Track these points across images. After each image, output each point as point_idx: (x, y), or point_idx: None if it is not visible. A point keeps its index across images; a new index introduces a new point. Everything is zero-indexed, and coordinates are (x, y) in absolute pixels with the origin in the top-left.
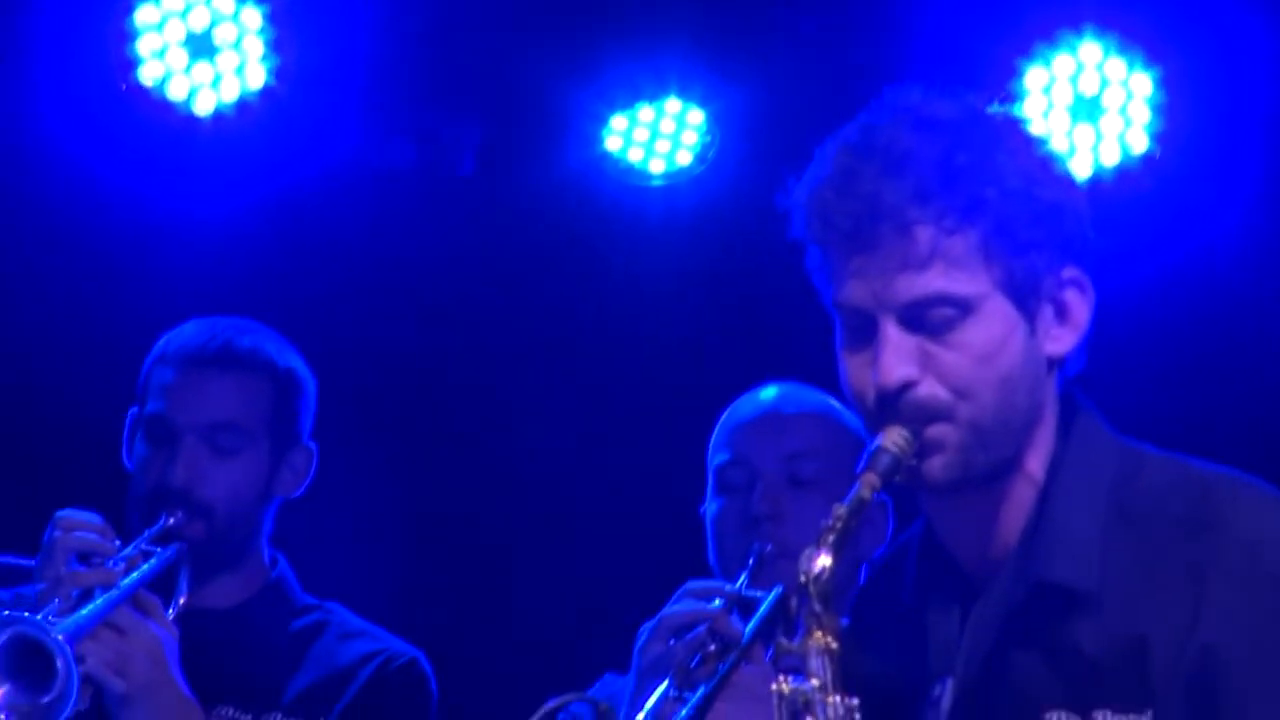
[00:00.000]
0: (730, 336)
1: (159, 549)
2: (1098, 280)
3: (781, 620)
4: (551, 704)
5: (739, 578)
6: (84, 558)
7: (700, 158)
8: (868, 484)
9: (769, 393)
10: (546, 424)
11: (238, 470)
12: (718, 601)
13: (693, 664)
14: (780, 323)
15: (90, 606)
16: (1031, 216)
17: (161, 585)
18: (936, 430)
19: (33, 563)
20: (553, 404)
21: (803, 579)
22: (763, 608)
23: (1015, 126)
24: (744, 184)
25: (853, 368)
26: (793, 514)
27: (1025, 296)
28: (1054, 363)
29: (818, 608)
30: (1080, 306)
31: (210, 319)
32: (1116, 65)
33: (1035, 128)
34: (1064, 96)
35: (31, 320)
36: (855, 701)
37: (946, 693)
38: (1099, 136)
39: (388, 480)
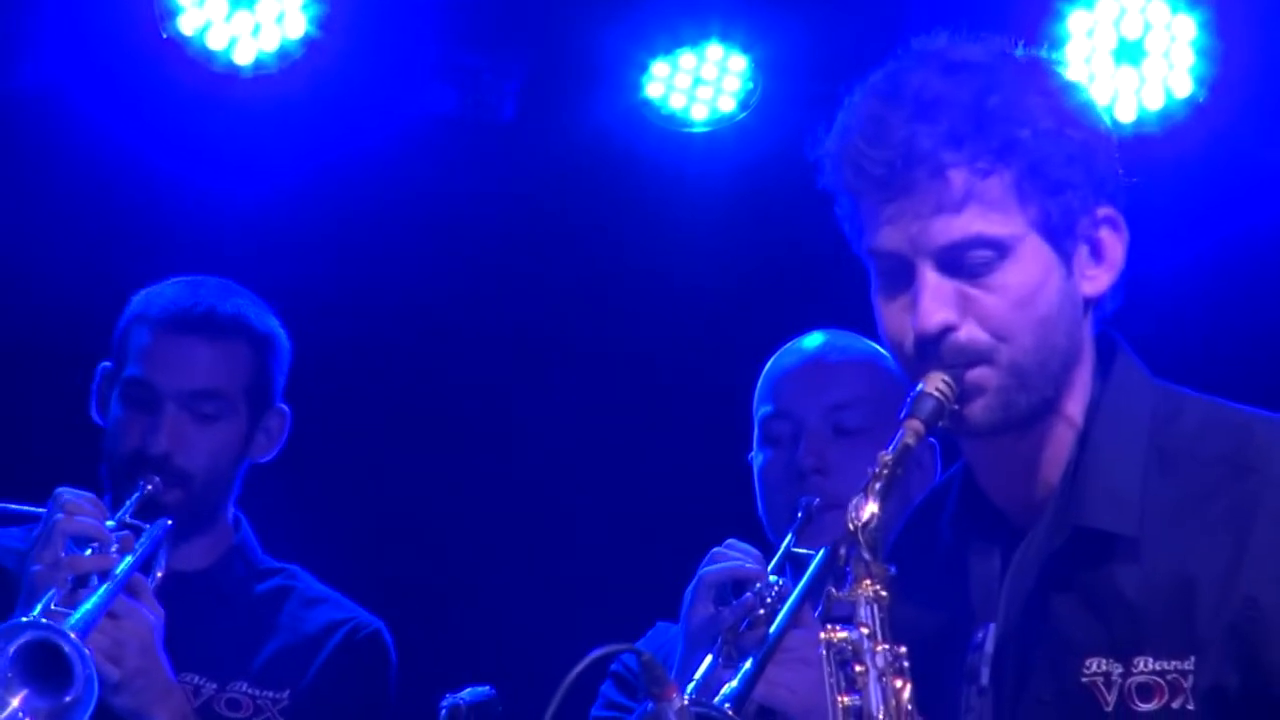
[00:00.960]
0: (774, 284)
1: (146, 525)
2: (1142, 226)
3: (830, 579)
4: (597, 653)
5: (787, 533)
6: (80, 541)
7: (743, 104)
8: (912, 430)
9: (812, 341)
10: (589, 372)
11: (218, 437)
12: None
13: (741, 628)
14: (825, 270)
15: (93, 599)
16: (1065, 156)
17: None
18: (977, 373)
19: (30, 509)
20: (595, 352)
21: (851, 527)
22: (810, 569)
23: (1045, 68)
24: (787, 131)
25: (890, 314)
26: (839, 465)
27: (1061, 237)
28: (1090, 303)
29: (866, 556)
30: (1115, 245)
31: (189, 280)
32: (1159, 8)
33: (1072, 71)
34: (1106, 40)
35: (72, 278)
36: (903, 649)
37: (989, 637)
38: (1142, 81)
39: (444, 425)
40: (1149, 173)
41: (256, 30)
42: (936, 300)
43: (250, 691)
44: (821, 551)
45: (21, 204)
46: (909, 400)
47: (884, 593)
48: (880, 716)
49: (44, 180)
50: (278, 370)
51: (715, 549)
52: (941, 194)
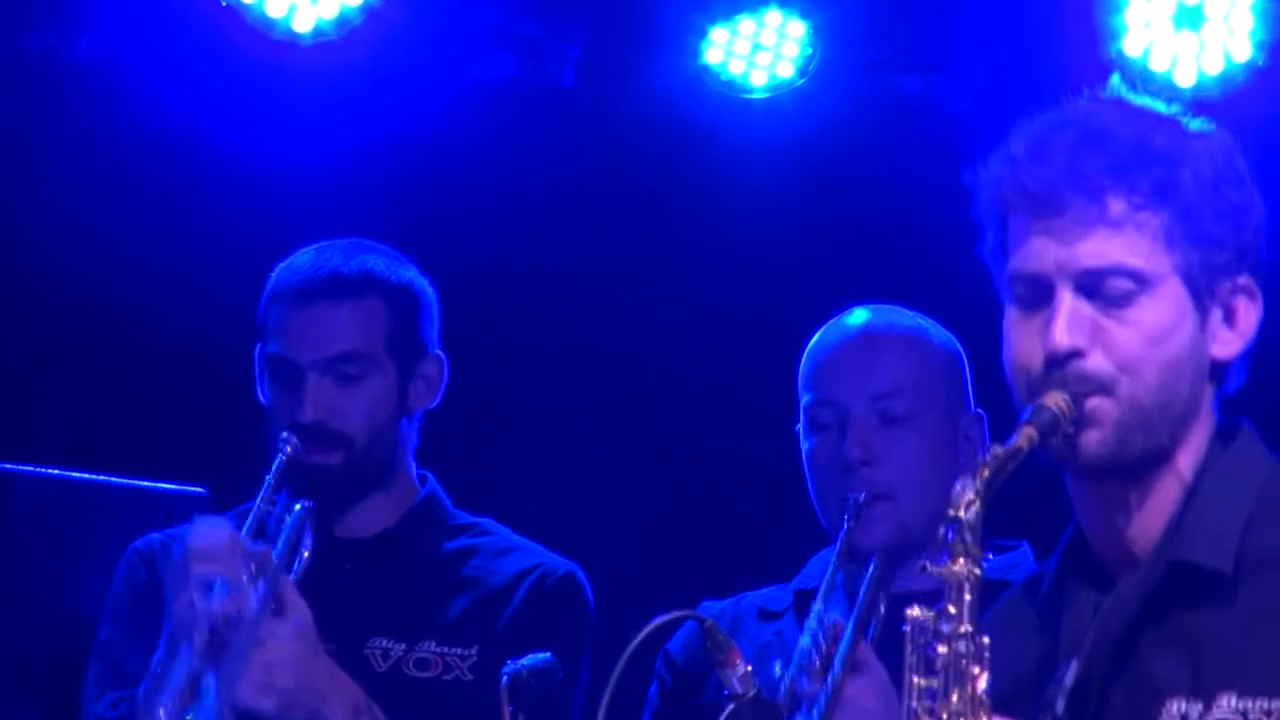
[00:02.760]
0: (832, 250)
1: (286, 516)
2: None
3: (881, 599)
4: (658, 620)
5: (840, 533)
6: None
7: (802, 70)
8: (1026, 435)
9: (854, 321)
10: (646, 337)
11: (366, 396)
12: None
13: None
14: (883, 238)
15: (231, 656)
16: (1217, 211)
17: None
18: (1096, 403)
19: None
20: (654, 318)
21: (951, 510)
22: (858, 604)
23: (1210, 129)
24: (846, 97)
25: (1020, 336)
26: (886, 454)
27: (1200, 289)
28: (1216, 367)
29: (967, 537)
30: (1249, 315)
31: (318, 245)
32: None
33: (1131, 36)
34: (1166, 5)
35: (136, 248)
36: (987, 640)
37: (1070, 671)
38: (1201, 46)
39: (496, 393)
40: None
41: None
42: (1071, 322)
43: (439, 650)
44: (868, 574)
45: (83, 172)
46: (1029, 409)
47: (977, 572)
48: (954, 699)
49: (105, 148)
50: (424, 319)
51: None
52: (1095, 217)
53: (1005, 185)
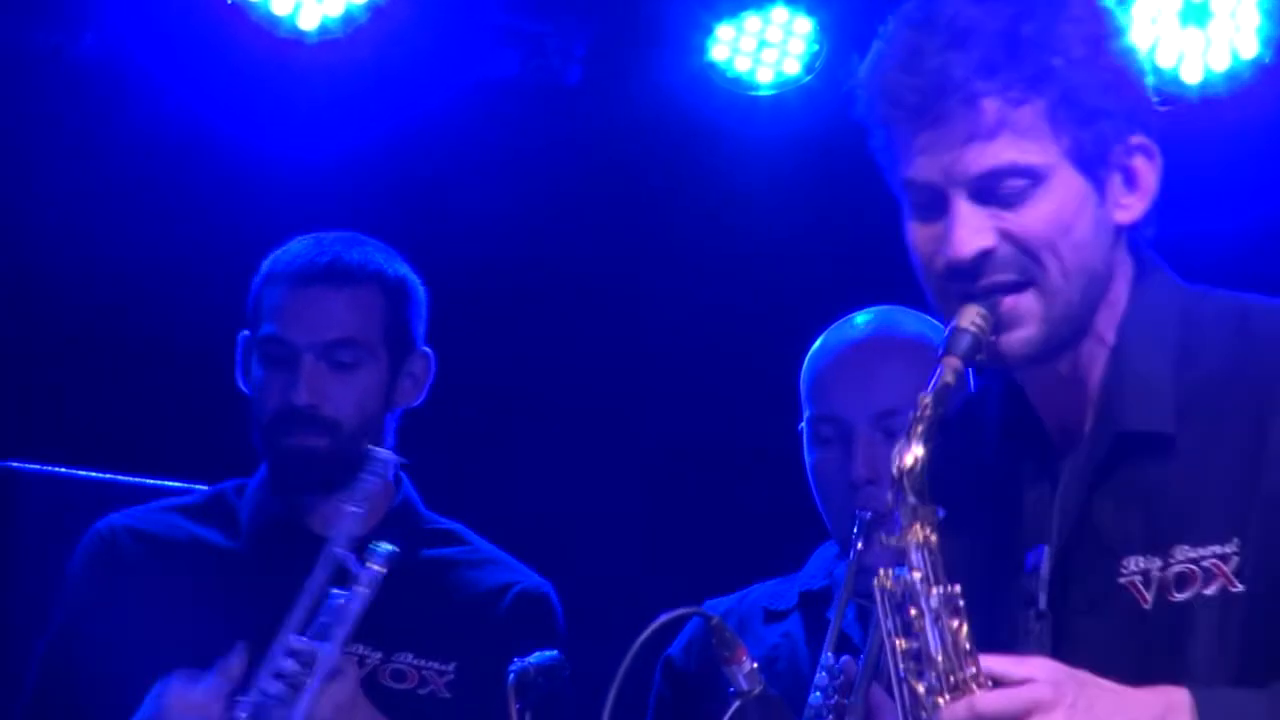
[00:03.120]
0: (838, 247)
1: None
2: (1208, 189)
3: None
4: (664, 617)
5: (850, 555)
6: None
7: (808, 67)
8: (950, 367)
9: (854, 331)
10: (651, 336)
11: (359, 384)
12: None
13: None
14: (890, 235)
15: None
16: (1098, 85)
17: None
18: (1014, 301)
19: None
20: (656, 315)
21: (895, 473)
22: (868, 648)
23: None
24: (852, 92)
25: (923, 244)
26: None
27: (1094, 166)
28: (1122, 230)
29: (913, 500)
30: (1149, 173)
31: (314, 235)
32: None
33: (1138, 32)
34: (1172, 2)
35: (137, 244)
36: (957, 588)
37: (1044, 560)
38: (1208, 43)
39: (500, 391)
40: (1215, 135)
41: None
42: (970, 228)
43: (415, 663)
44: (872, 636)
45: (88, 169)
46: (945, 337)
47: (933, 536)
48: (939, 657)
49: (109, 146)
50: (414, 314)
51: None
52: (974, 123)
53: (881, 97)
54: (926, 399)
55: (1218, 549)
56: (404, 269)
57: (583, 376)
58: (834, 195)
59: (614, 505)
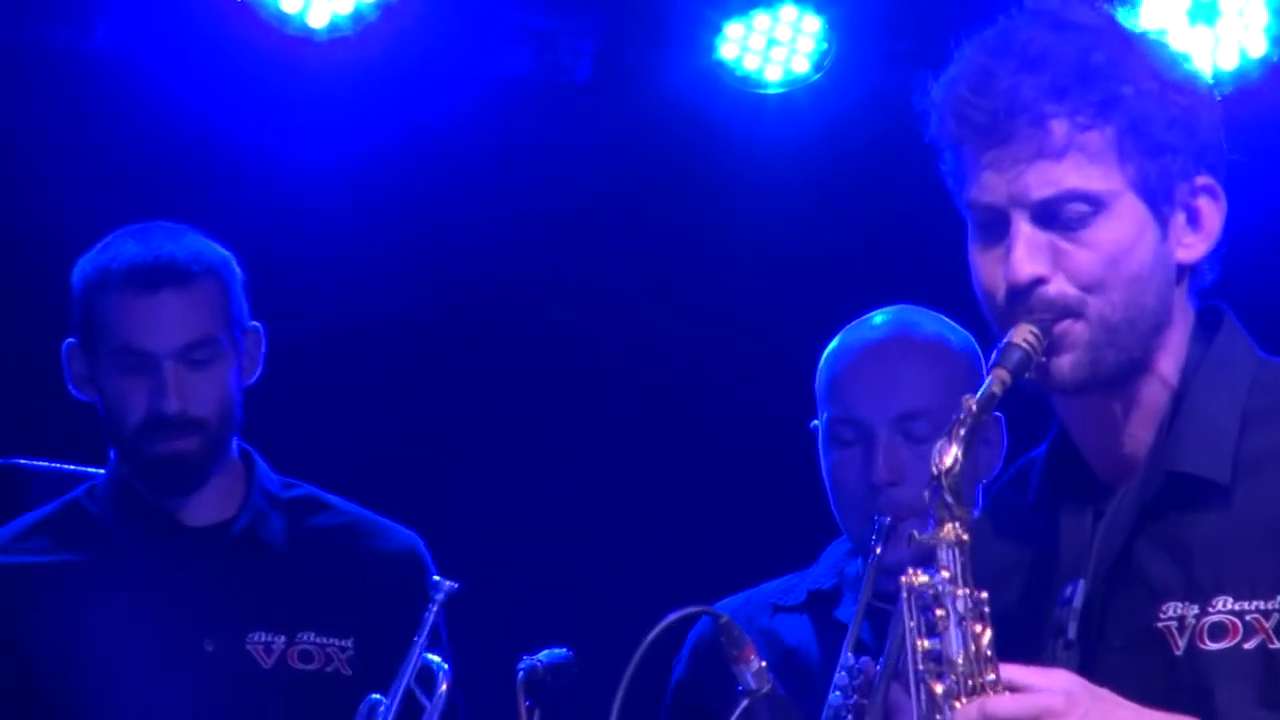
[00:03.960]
0: (848, 246)
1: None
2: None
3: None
4: (673, 616)
5: (869, 558)
6: None
7: (817, 65)
8: (999, 379)
9: (873, 331)
10: (661, 332)
11: (218, 378)
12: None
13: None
14: (900, 234)
15: None
16: (1167, 119)
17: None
18: (1065, 327)
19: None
20: (667, 312)
21: (934, 471)
22: (888, 649)
23: (1151, 36)
24: (861, 92)
25: (984, 265)
26: (913, 472)
27: (1158, 199)
28: (1184, 270)
29: (949, 499)
30: (1213, 215)
31: (131, 231)
32: None
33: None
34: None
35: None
36: (984, 595)
37: (1078, 593)
38: (1216, 41)
39: (519, 385)
40: (1224, 134)
41: None
42: (1029, 252)
43: (318, 640)
44: (894, 620)
45: (97, 165)
46: (997, 350)
47: (965, 536)
48: (960, 660)
49: (119, 142)
50: (240, 294)
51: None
52: (1041, 144)
53: (951, 117)
54: (972, 402)
55: (1261, 604)
56: (223, 251)
57: (592, 372)
58: (843, 193)
59: (623, 503)
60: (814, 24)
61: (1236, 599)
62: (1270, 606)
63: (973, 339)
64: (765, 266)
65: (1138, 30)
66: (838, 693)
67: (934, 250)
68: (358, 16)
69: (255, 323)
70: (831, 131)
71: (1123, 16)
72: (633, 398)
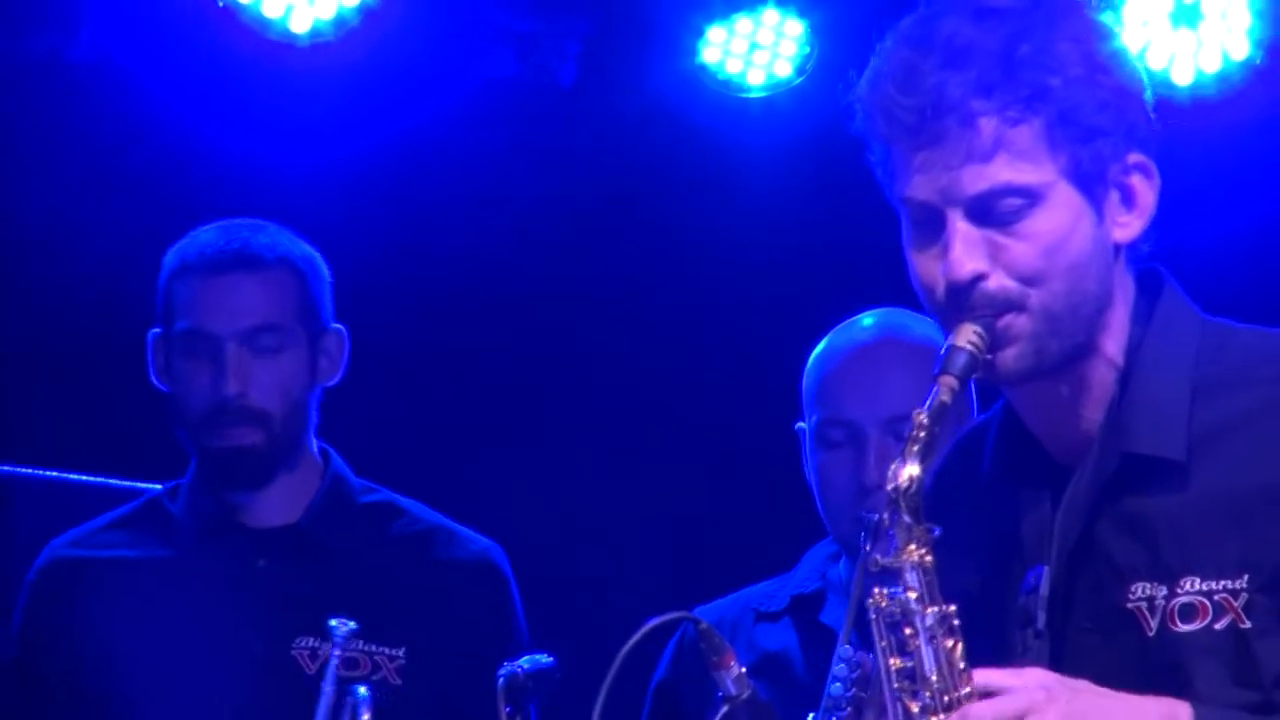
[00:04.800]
0: (831, 251)
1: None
2: (1201, 191)
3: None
4: (653, 622)
5: (862, 550)
6: None
7: (799, 69)
8: (946, 386)
9: (862, 332)
10: (646, 335)
11: (285, 368)
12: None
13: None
14: (882, 238)
15: None
16: (1096, 104)
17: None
18: (1008, 321)
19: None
20: (650, 317)
21: (891, 492)
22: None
23: (1078, 14)
24: (844, 95)
25: (921, 263)
26: None
27: (1091, 184)
28: (1121, 248)
29: (908, 520)
30: (1147, 192)
31: (216, 224)
32: None
33: (1129, 34)
34: (1163, 3)
35: (123, 248)
36: (953, 608)
37: (1043, 580)
38: (1199, 44)
39: (503, 390)
40: (1206, 137)
41: None
42: (966, 249)
43: (366, 648)
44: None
45: (80, 173)
46: (941, 355)
47: (928, 556)
48: (934, 677)
49: (102, 149)
50: (324, 293)
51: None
52: (971, 143)
53: (879, 115)
54: (923, 417)
55: (1229, 584)
56: (309, 249)
57: (574, 377)
58: (826, 197)
59: (604, 506)
60: (796, 28)
61: (1204, 579)
62: (1238, 586)
63: None
64: (749, 269)
65: (1063, 6)
66: (837, 684)
67: None
68: (340, 21)
69: (339, 325)
70: (814, 135)
71: (1102, 16)
72: (616, 401)
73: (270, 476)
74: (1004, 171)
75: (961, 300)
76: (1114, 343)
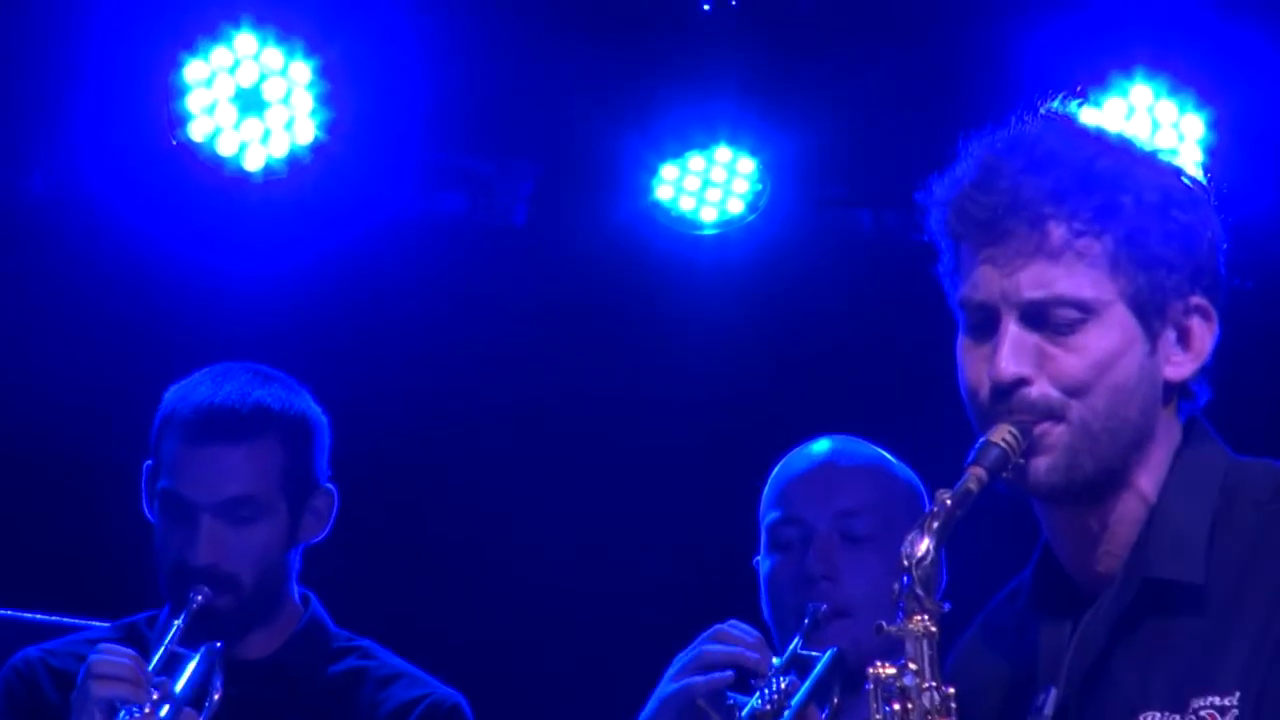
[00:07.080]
0: (784, 386)
1: (197, 652)
2: None
3: (837, 680)
4: None
5: (794, 637)
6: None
7: (752, 206)
8: (975, 476)
9: (820, 447)
10: (600, 474)
11: (258, 538)
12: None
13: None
14: (834, 372)
15: None
16: (1164, 234)
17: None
18: (1045, 429)
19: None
20: (606, 454)
21: (905, 562)
22: (817, 669)
23: (1159, 154)
24: (796, 232)
25: (970, 363)
26: (848, 571)
27: (1149, 313)
28: (1172, 387)
29: (920, 591)
30: (1203, 336)
31: (215, 371)
32: (1167, 108)
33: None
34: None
35: (78, 379)
36: (951, 690)
37: (1049, 701)
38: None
39: (442, 522)
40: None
41: (266, 137)
42: (1015, 351)
43: None
44: (829, 652)
45: (32, 304)
46: (975, 448)
47: (934, 629)
48: None
49: (57, 282)
50: (317, 451)
51: (719, 626)
52: (1037, 244)
53: (952, 212)
54: (946, 497)
55: (1216, 700)
56: (304, 404)
57: (525, 515)
58: (780, 331)
59: (565, 642)
60: (748, 165)
61: (1205, 697)
62: (1227, 702)
63: (913, 473)
64: (702, 404)
65: (1150, 148)
66: (757, 697)
67: (869, 384)
68: (292, 159)
69: (330, 485)
70: (767, 271)
71: (1135, 139)
72: (569, 535)
73: (244, 632)
74: (1064, 280)
75: (1003, 402)
76: (1149, 480)
